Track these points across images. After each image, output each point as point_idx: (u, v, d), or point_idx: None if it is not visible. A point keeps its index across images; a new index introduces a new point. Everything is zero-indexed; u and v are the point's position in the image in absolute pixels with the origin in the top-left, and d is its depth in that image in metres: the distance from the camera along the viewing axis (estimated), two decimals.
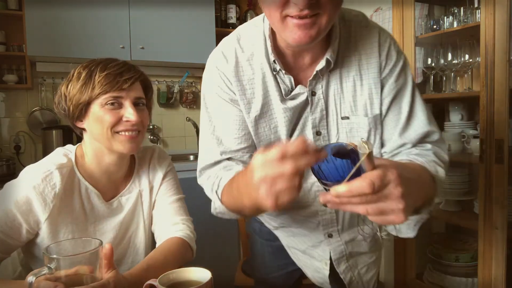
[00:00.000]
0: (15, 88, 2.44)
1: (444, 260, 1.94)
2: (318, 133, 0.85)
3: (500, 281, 1.60)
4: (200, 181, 0.90)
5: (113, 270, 0.73)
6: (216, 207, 0.85)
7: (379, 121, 0.84)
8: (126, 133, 0.94)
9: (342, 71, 0.83)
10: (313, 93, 0.83)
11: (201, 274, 0.73)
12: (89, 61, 0.95)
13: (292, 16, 0.65)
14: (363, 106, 0.83)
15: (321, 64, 0.79)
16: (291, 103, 0.83)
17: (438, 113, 2.28)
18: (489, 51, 1.57)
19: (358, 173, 0.51)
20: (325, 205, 0.54)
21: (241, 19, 2.97)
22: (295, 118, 0.85)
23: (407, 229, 0.80)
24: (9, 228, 0.88)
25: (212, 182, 0.85)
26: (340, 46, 0.82)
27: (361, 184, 0.50)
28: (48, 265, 0.66)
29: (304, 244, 1.00)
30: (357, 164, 0.51)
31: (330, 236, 0.95)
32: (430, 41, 2.07)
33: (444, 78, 2.03)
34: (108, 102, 0.92)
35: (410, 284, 2.10)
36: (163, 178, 1.10)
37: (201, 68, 2.94)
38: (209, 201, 0.88)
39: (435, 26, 2.01)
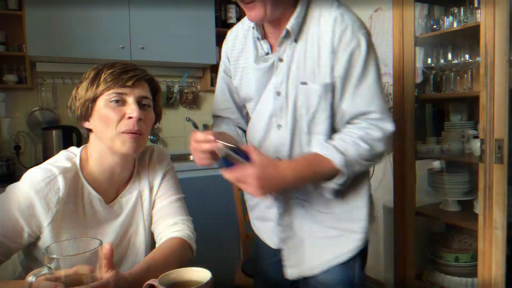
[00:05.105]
0: (15, 88, 2.44)
1: (444, 260, 1.94)
2: (278, 94, 1.00)
3: (500, 281, 1.60)
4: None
5: (113, 270, 0.73)
6: None
7: (329, 90, 0.95)
8: (129, 133, 0.94)
9: (307, 42, 0.97)
10: (280, 60, 0.99)
11: (201, 274, 0.73)
12: (99, 64, 0.99)
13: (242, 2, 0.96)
14: (319, 75, 0.95)
15: (283, 34, 0.97)
16: (261, 65, 1.02)
17: (438, 113, 2.28)
18: (489, 51, 1.57)
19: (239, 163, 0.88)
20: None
21: (241, 19, 2.96)
22: (264, 79, 1.03)
23: (326, 193, 0.99)
24: (10, 231, 0.87)
25: None
26: (307, 20, 0.97)
27: (230, 175, 0.86)
28: (48, 265, 0.65)
29: (260, 211, 1.16)
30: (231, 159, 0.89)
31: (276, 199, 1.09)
32: (430, 41, 2.07)
33: (444, 78, 2.03)
34: (112, 99, 0.93)
35: (410, 284, 2.10)
36: (163, 178, 1.10)
37: (201, 68, 2.97)
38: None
39: (435, 26, 2.01)
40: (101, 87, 0.93)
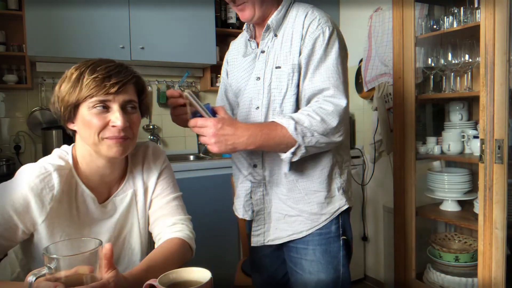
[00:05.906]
0: (15, 88, 2.44)
1: (444, 260, 1.94)
2: (258, 79, 1.17)
3: (500, 281, 1.60)
4: None
5: (113, 270, 0.73)
6: None
7: (296, 70, 1.10)
8: (114, 139, 0.91)
9: (284, 35, 1.14)
10: (262, 51, 1.18)
11: (201, 274, 0.73)
12: (82, 62, 0.93)
13: (234, 5, 1.12)
14: (290, 58, 1.11)
15: (264, 28, 1.16)
16: (248, 58, 1.22)
17: (438, 113, 2.28)
18: (489, 51, 1.57)
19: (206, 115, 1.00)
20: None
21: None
22: (249, 69, 1.21)
23: (284, 166, 1.12)
24: (4, 229, 0.86)
25: None
26: (286, 18, 1.15)
27: (191, 123, 0.98)
28: (48, 265, 0.65)
29: (237, 190, 1.28)
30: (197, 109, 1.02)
31: (252, 172, 1.20)
32: (430, 41, 2.07)
33: (444, 78, 2.03)
34: (95, 106, 0.89)
35: (410, 284, 2.10)
36: (158, 178, 1.08)
37: (201, 68, 2.96)
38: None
39: (435, 26, 2.01)
40: (83, 93, 0.88)
